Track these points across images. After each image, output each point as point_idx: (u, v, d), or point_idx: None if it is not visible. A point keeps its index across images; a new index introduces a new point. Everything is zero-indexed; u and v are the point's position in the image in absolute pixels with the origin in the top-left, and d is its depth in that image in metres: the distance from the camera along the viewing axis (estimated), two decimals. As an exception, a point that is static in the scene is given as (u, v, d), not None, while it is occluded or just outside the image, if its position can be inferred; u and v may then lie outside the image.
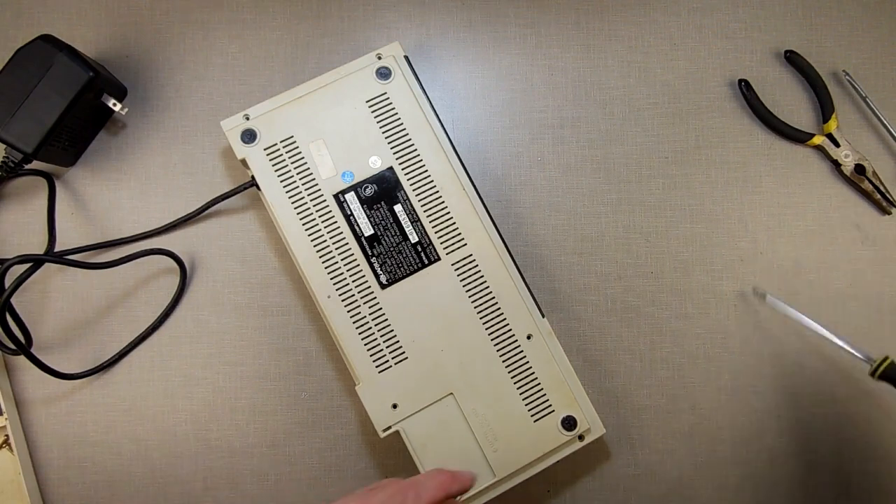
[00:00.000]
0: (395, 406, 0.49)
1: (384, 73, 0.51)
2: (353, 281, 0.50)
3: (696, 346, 0.56)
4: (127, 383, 0.55)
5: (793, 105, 0.58)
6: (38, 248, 0.56)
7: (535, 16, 0.59)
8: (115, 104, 0.54)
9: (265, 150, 0.50)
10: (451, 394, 0.49)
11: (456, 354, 0.50)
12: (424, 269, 0.50)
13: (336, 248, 0.50)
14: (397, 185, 0.51)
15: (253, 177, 0.51)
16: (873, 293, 0.57)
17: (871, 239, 0.57)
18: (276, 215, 0.50)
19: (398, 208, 0.51)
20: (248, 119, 0.51)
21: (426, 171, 0.51)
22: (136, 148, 0.57)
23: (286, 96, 0.51)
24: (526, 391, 0.50)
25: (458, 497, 0.45)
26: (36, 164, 0.55)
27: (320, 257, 0.50)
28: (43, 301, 0.56)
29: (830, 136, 0.57)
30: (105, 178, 0.57)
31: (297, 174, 0.50)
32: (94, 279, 0.56)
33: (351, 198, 0.51)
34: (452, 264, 0.50)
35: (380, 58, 0.52)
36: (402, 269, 0.50)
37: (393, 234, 0.50)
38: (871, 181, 0.56)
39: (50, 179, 0.56)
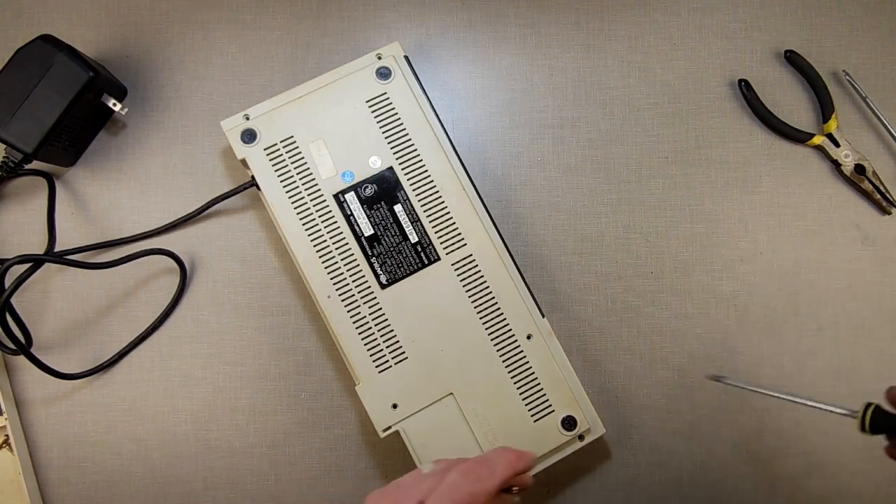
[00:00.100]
0: (395, 406, 0.49)
1: (384, 73, 0.51)
2: (353, 281, 0.50)
3: (696, 346, 0.56)
4: (127, 383, 0.55)
5: (793, 105, 0.58)
6: (38, 248, 0.56)
7: (535, 16, 0.59)
8: (115, 104, 0.54)
9: (265, 150, 0.50)
10: (451, 394, 0.49)
11: (456, 354, 0.50)
12: (424, 269, 0.50)
13: (336, 248, 0.50)
14: (397, 185, 0.51)
15: (253, 177, 0.51)
16: (873, 293, 0.57)
17: (871, 239, 0.57)
18: (276, 215, 0.50)
19: (398, 208, 0.51)
20: (248, 119, 0.51)
21: (426, 171, 0.51)
22: (136, 148, 0.57)
23: (286, 96, 0.52)
24: (526, 391, 0.50)
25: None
26: (36, 164, 0.55)
27: (320, 257, 0.50)
28: (43, 301, 0.56)
29: (830, 136, 0.57)
30: (105, 178, 0.57)
31: (297, 174, 0.50)
32: (94, 279, 0.56)
33: (351, 198, 0.51)
34: (452, 264, 0.50)
35: (380, 58, 0.52)
36: (402, 269, 0.50)
37: (393, 234, 0.50)
38: (871, 181, 0.56)
39: (50, 179, 0.56)
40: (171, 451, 0.55)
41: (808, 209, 0.57)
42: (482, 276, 0.50)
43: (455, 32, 0.59)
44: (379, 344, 0.49)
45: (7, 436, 0.54)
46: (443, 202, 0.51)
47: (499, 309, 0.50)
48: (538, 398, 0.50)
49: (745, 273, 0.57)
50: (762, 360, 0.56)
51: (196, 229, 0.57)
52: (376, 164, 0.51)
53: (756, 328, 0.56)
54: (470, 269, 0.51)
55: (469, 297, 0.50)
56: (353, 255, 0.50)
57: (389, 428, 0.49)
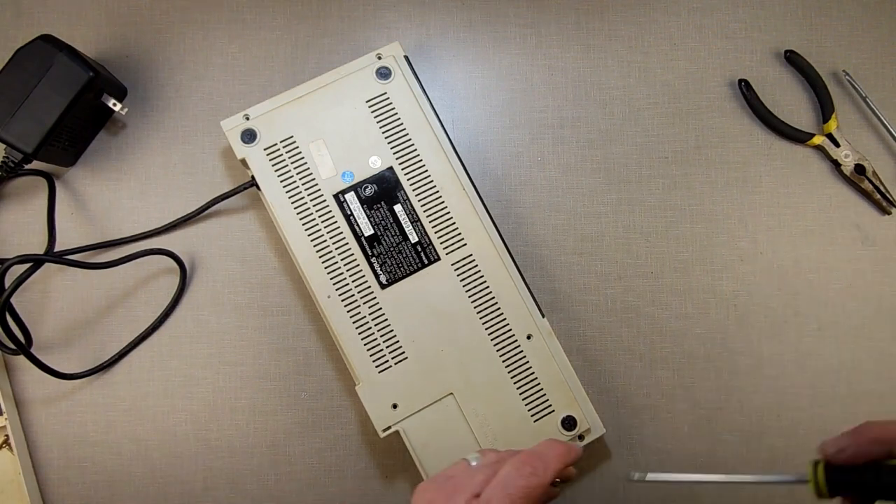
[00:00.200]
0: (395, 406, 0.49)
1: (384, 73, 0.51)
2: (353, 281, 0.50)
3: (696, 346, 0.56)
4: (127, 383, 0.55)
5: (793, 105, 0.58)
6: (38, 248, 0.56)
7: (535, 16, 0.59)
8: (115, 104, 0.54)
9: (265, 150, 0.50)
10: (451, 394, 0.49)
11: (456, 354, 0.50)
12: (424, 269, 0.50)
13: (336, 248, 0.50)
14: (397, 185, 0.51)
15: (253, 177, 0.51)
16: (873, 293, 0.57)
17: (871, 239, 0.57)
18: (276, 215, 0.50)
19: (398, 208, 0.51)
20: (248, 119, 0.51)
21: (426, 171, 0.51)
22: (136, 148, 0.57)
23: (286, 96, 0.52)
24: (526, 391, 0.50)
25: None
26: (36, 164, 0.54)
27: (320, 257, 0.50)
28: (43, 301, 0.56)
29: (830, 136, 0.57)
30: (105, 178, 0.57)
31: (297, 174, 0.50)
32: (94, 279, 0.56)
33: (351, 198, 0.51)
34: (452, 264, 0.50)
35: (380, 58, 0.52)
36: (402, 269, 0.50)
37: (393, 234, 0.50)
38: (871, 181, 0.56)
39: (50, 179, 0.56)
40: (171, 451, 0.55)
41: (808, 209, 0.57)
42: (482, 276, 0.50)
43: (455, 32, 0.59)
44: (379, 344, 0.49)
45: (7, 436, 0.54)
46: (443, 202, 0.51)
47: (499, 309, 0.50)
48: (538, 398, 0.50)
49: (745, 273, 0.57)
50: (762, 360, 0.56)
51: (196, 229, 0.57)
52: (376, 164, 0.51)
53: (756, 328, 0.56)
54: (470, 269, 0.51)
55: (469, 297, 0.50)
56: (353, 255, 0.50)
57: (389, 428, 0.49)
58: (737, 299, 0.56)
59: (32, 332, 0.53)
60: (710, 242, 0.57)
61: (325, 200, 0.50)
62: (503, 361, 0.50)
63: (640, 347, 0.56)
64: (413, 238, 0.51)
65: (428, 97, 0.53)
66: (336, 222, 0.50)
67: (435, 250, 0.51)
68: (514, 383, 0.50)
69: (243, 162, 0.51)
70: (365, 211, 0.50)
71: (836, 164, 0.57)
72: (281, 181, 0.50)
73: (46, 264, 0.55)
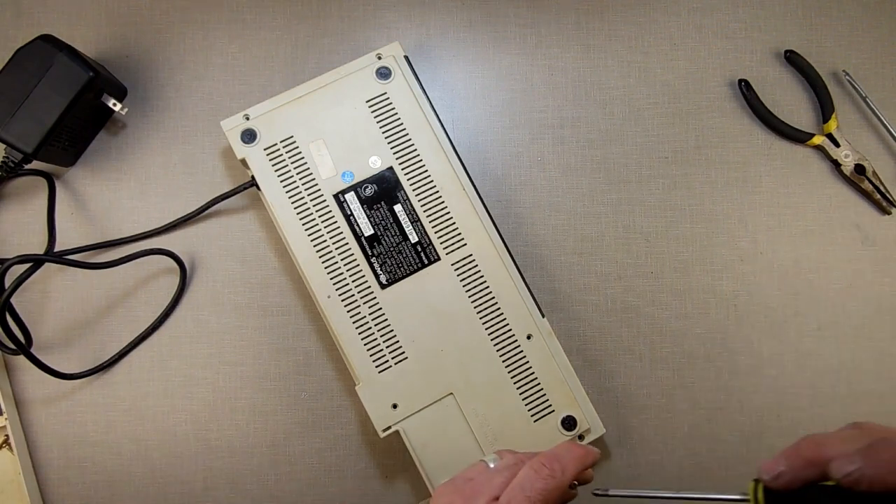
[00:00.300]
0: (395, 406, 0.49)
1: (384, 73, 0.51)
2: (353, 281, 0.50)
3: (696, 346, 0.56)
4: (127, 383, 0.55)
5: (793, 105, 0.58)
6: (38, 248, 0.56)
7: (535, 16, 0.59)
8: (115, 104, 0.54)
9: (265, 150, 0.50)
10: (451, 394, 0.49)
11: (456, 354, 0.50)
12: (424, 269, 0.50)
13: (336, 248, 0.50)
14: (397, 185, 0.51)
15: (253, 177, 0.51)
16: (873, 293, 0.57)
17: (871, 239, 0.57)
18: (276, 215, 0.50)
19: (398, 208, 0.51)
20: (248, 119, 0.51)
21: (426, 171, 0.51)
22: (136, 148, 0.57)
23: (286, 96, 0.52)
24: (526, 391, 0.50)
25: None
26: (36, 164, 0.54)
27: (320, 257, 0.50)
28: (43, 301, 0.56)
29: (830, 136, 0.57)
30: (105, 178, 0.57)
31: (297, 174, 0.50)
32: (94, 279, 0.56)
33: (351, 198, 0.51)
34: (452, 264, 0.50)
35: (380, 58, 0.52)
36: (402, 269, 0.50)
37: (393, 234, 0.50)
38: (871, 181, 0.56)
39: (50, 179, 0.56)
40: (171, 451, 0.55)
41: (808, 209, 0.57)
42: (482, 276, 0.50)
43: (455, 32, 0.59)
44: (379, 344, 0.49)
45: (7, 436, 0.54)
46: (443, 202, 0.51)
47: (499, 309, 0.50)
48: (538, 398, 0.50)
49: (745, 273, 0.57)
50: (762, 360, 0.56)
51: (196, 229, 0.57)
52: (376, 164, 0.51)
53: (756, 328, 0.56)
54: (470, 269, 0.51)
55: (469, 297, 0.50)
56: (353, 255, 0.50)
57: (389, 428, 0.49)
58: (737, 299, 0.56)
59: (32, 332, 0.53)
60: (710, 242, 0.57)
61: (325, 200, 0.50)
62: (503, 361, 0.50)
63: (640, 347, 0.56)
64: (413, 238, 0.51)
65: (428, 97, 0.53)
66: (336, 222, 0.50)
67: (435, 250, 0.51)
68: (514, 383, 0.50)
69: (243, 162, 0.51)
70: (365, 211, 0.50)
71: (836, 164, 0.57)
72: (281, 181, 0.50)
73: (46, 264, 0.55)
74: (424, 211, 0.51)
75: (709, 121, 0.58)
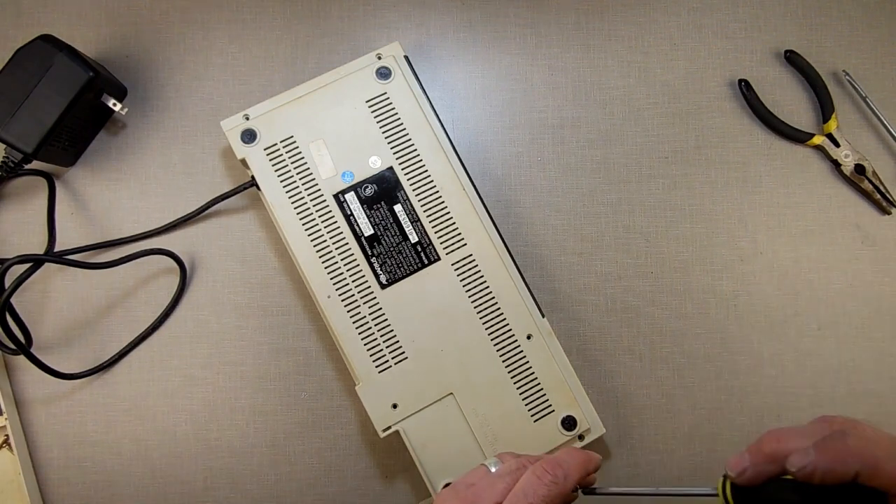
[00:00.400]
0: (395, 406, 0.49)
1: (384, 73, 0.51)
2: (353, 281, 0.50)
3: (696, 346, 0.56)
4: (127, 383, 0.55)
5: (793, 105, 0.58)
6: (38, 248, 0.56)
7: (535, 16, 0.59)
8: (115, 104, 0.54)
9: (265, 150, 0.50)
10: (451, 394, 0.49)
11: (456, 354, 0.50)
12: (424, 269, 0.50)
13: (336, 248, 0.50)
14: (397, 185, 0.51)
15: (253, 177, 0.51)
16: (873, 293, 0.57)
17: (871, 239, 0.57)
18: (276, 215, 0.50)
19: (398, 208, 0.51)
20: (248, 119, 0.51)
21: (426, 171, 0.51)
22: (136, 148, 0.57)
23: (286, 96, 0.52)
24: (526, 391, 0.50)
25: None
26: (36, 164, 0.54)
27: (320, 257, 0.50)
28: (43, 301, 0.56)
29: (830, 136, 0.57)
30: (105, 178, 0.57)
31: (297, 174, 0.50)
32: (94, 279, 0.56)
33: (351, 198, 0.51)
34: (452, 264, 0.50)
35: (380, 58, 0.52)
36: (402, 269, 0.50)
37: (393, 234, 0.50)
38: (871, 181, 0.56)
39: (50, 179, 0.56)
40: (171, 451, 0.55)
41: (808, 209, 0.57)
42: (482, 276, 0.50)
43: (455, 32, 0.59)
44: (379, 344, 0.49)
45: (7, 436, 0.54)
46: (443, 202, 0.51)
47: (499, 309, 0.50)
48: (538, 398, 0.50)
49: (745, 273, 0.57)
50: (762, 360, 0.56)
51: (196, 229, 0.57)
52: (376, 164, 0.51)
53: (756, 328, 0.56)
54: (470, 269, 0.51)
55: (469, 297, 0.50)
56: (353, 255, 0.50)
57: (389, 428, 0.49)
58: (737, 299, 0.56)
59: (32, 332, 0.53)
60: (710, 242, 0.57)
61: (325, 200, 0.50)
62: (503, 361, 0.50)
63: (640, 347, 0.56)
64: (413, 238, 0.51)
65: (428, 97, 0.53)
66: (336, 222, 0.50)
67: (435, 250, 0.51)
68: (514, 383, 0.50)
69: (243, 162, 0.51)
70: (365, 211, 0.50)
71: (836, 164, 0.57)
72: (281, 181, 0.50)
73: (46, 264, 0.55)
74: (424, 211, 0.51)
75: (709, 121, 0.58)
